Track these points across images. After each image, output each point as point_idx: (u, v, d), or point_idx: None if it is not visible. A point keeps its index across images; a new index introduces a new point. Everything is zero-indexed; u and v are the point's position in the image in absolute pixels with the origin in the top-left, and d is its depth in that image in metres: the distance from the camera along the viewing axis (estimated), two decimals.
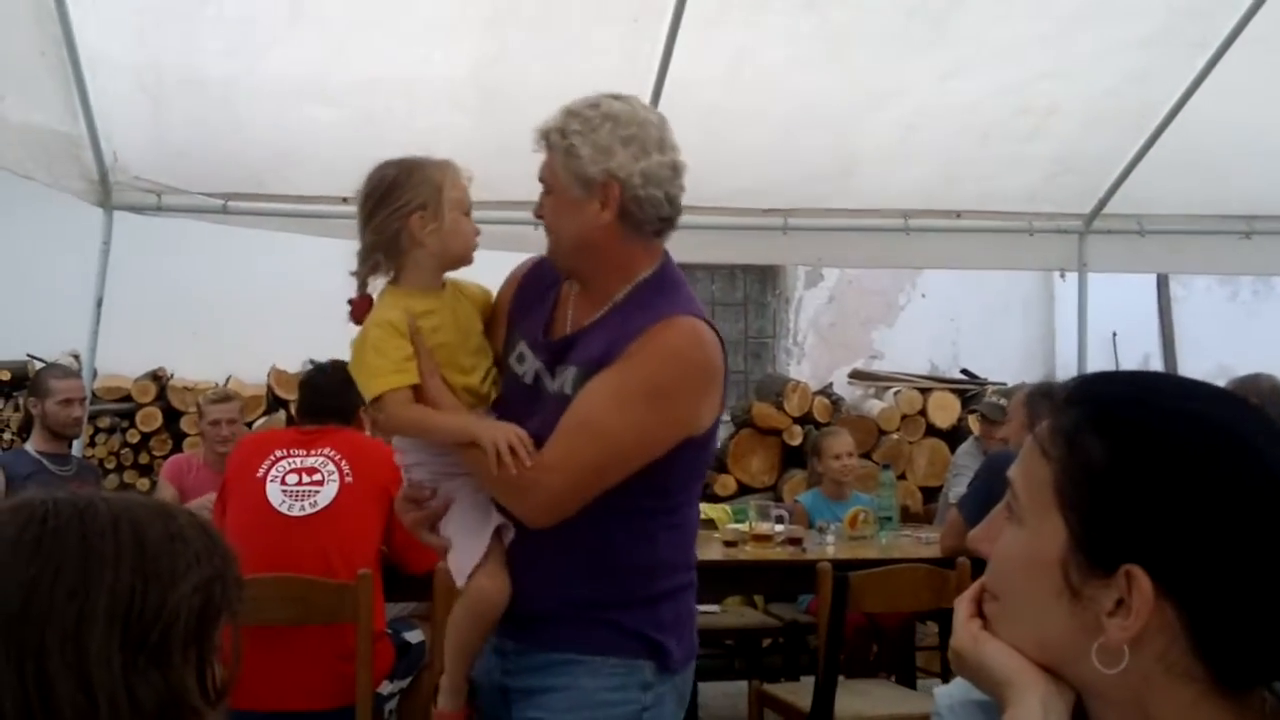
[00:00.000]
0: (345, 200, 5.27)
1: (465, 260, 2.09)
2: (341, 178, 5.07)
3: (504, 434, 1.91)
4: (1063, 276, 6.11)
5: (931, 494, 6.37)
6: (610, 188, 1.96)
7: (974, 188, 5.56)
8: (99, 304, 5.12)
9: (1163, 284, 7.90)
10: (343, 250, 5.48)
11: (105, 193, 5.07)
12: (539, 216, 2.07)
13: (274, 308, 6.38)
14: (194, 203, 5.19)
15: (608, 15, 4.51)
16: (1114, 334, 7.57)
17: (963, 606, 1.05)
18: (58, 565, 1.00)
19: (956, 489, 5.11)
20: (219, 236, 5.44)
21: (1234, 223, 5.79)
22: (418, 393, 1.99)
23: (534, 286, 2.17)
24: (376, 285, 2.09)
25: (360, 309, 2.07)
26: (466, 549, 2.02)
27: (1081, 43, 4.79)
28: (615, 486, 1.95)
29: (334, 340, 5.96)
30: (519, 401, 2.05)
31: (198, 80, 4.62)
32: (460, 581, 2.05)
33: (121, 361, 6.06)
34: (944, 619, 3.99)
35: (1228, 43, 4.78)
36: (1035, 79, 4.95)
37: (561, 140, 1.98)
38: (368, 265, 2.07)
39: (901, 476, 5.92)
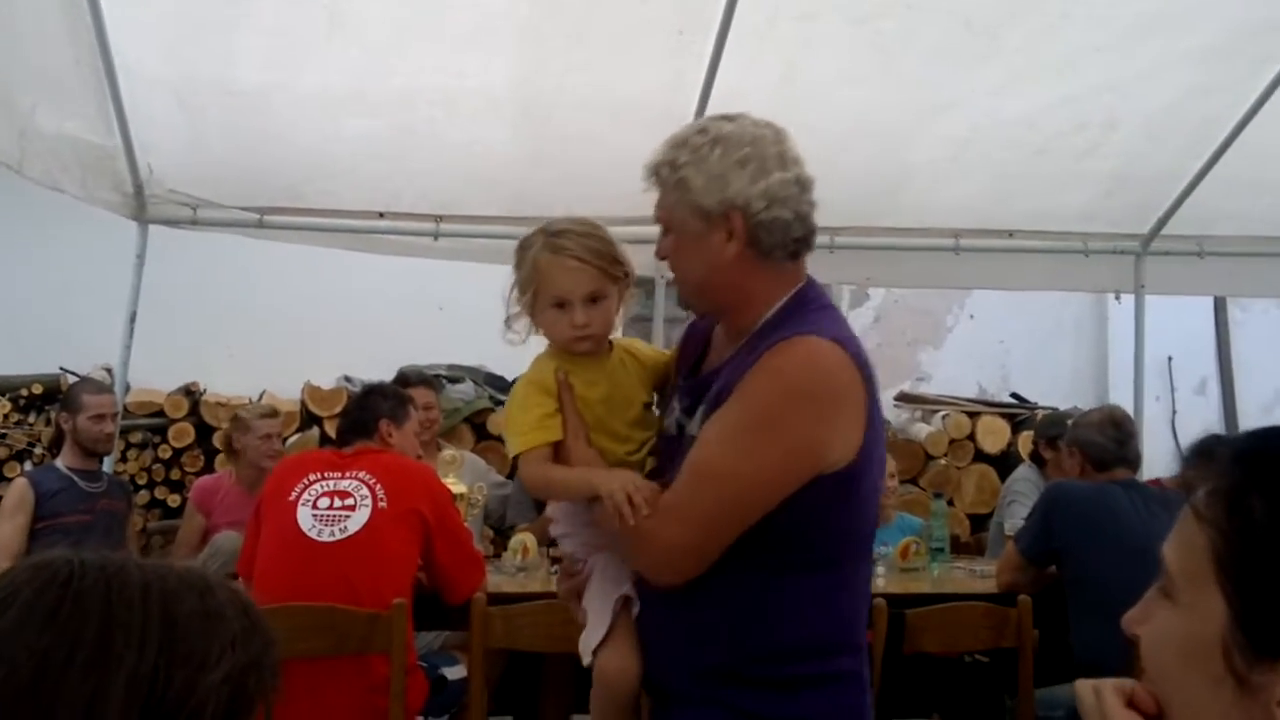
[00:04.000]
0: (382, 215, 5.25)
1: (569, 349, 1.95)
2: (378, 191, 5.14)
3: (621, 482, 1.79)
4: (1118, 299, 5.91)
5: (979, 521, 6.17)
6: (732, 217, 1.81)
7: (1027, 205, 5.39)
8: (132, 318, 5.06)
9: (1220, 306, 7.66)
10: (378, 265, 5.52)
11: (140, 206, 5.00)
12: (661, 258, 1.93)
13: (309, 323, 6.30)
14: (229, 216, 5.12)
15: (652, 27, 4.38)
16: (1169, 358, 7.36)
17: (1108, 695, 0.91)
18: (75, 636, 0.89)
19: (1010, 518, 4.93)
20: (254, 250, 5.36)
21: None
22: (559, 451, 1.91)
23: (694, 334, 2.05)
24: None
25: None
26: (593, 624, 1.91)
27: (1141, 55, 4.61)
28: (751, 538, 1.76)
29: (369, 356, 6.01)
30: (667, 454, 1.92)
31: (234, 92, 4.54)
32: (585, 659, 1.91)
33: (154, 376, 5.99)
34: (1001, 659, 3.80)
35: None
36: (1092, 93, 4.79)
37: (672, 174, 1.84)
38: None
39: (949, 503, 5.73)
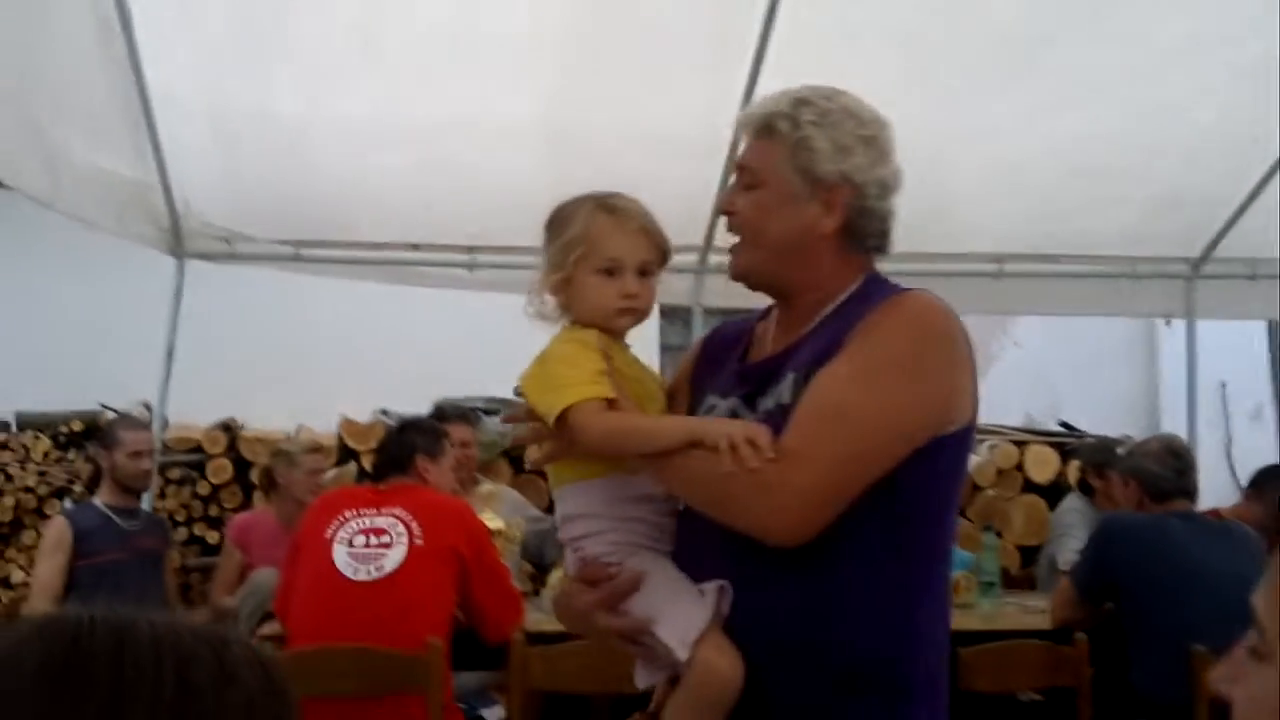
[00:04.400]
0: (416, 246, 5.22)
1: (602, 327, 1.75)
2: (409, 223, 5.11)
3: (739, 427, 1.59)
4: (1168, 323, 5.77)
5: (1029, 554, 6.02)
6: (840, 191, 1.69)
7: (1073, 229, 5.29)
8: (170, 353, 5.04)
9: (1274, 330, 7.49)
10: (414, 296, 5.47)
11: (177, 240, 5.01)
12: (728, 212, 1.78)
13: (346, 357, 6.27)
14: (265, 250, 5.13)
15: (685, 55, 4.34)
16: (1223, 384, 7.19)
17: None
18: (82, 701, 0.81)
19: (1061, 551, 4.79)
20: (290, 284, 5.34)
21: None
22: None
23: (717, 347, 1.89)
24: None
25: None
26: (682, 616, 1.61)
27: (1187, 75, 4.53)
28: (871, 512, 1.59)
29: (406, 390, 5.96)
30: None
31: (269, 123, 4.54)
32: (682, 654, 1.59)
33: (192, 411, 5.96)
34: (1058, 698, 3.67)
35: None
36: (1139, 113, 4.70)
37: (793, 130, 1.69)
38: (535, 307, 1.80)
39: (998, 535, 5.58)
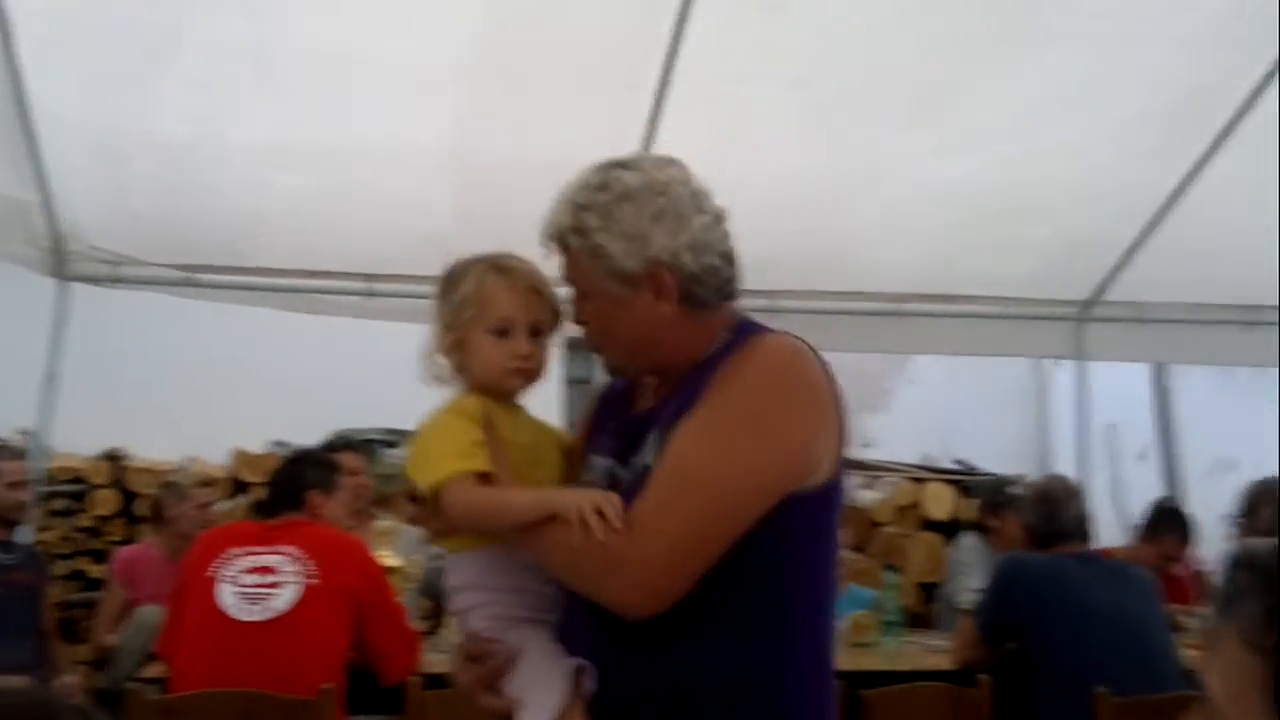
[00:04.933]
0: (313, 273, 5.09)
1: (499, 386, 1.74)
2: (310, 248, 4.98)
3: (588, 498, 1.57)
4: (1059, 364, 5.89)
5: (929, 591, 6.07)
6: (659, 277, 1.66)
7: (969, 270, 5.37)
8: (51, 379, 4.84)
9: (1159, 373, 7.70)
10: (312, 325, 5.34)
11: (60, 262, 4.81)
12: (581, 323, 1.75)
13: (239, 386, 6.07)
14: (155, 274, 4.95)
15: (593, 83, 4.32)
16: (1112, 425, 7.35)
17: None
18: None
19: (959, 590, 4.83)
20: (182, 310, 5.17)
21: (1235, 312, 5.61)
22: (483, 485, 1.65)
23: (610, 401, 1.87)
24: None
25: None
26: (544, 699, 1.62)
27: (1080, 120, 4.65)
28: (726, 582, 1.56)
29: (302, 420, 5.80)
30: None
31: (159, 144, 4.40)
32: None
33: (76, 440, 5.74)
34: None
35: (1233, 123, 4.63)
36: (1033, 156, 4.79)
37: (583, 241, 1.67)
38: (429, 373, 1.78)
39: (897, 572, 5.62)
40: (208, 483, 4.88)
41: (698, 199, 1.68)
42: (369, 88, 4.26)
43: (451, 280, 1.75)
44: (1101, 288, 5.47)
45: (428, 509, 1.69)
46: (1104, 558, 3.91)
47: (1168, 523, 5.07)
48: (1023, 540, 4.58)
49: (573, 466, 1.81)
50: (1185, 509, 5.45)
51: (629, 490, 1.62)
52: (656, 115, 4.35)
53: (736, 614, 1.60)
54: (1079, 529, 3.77)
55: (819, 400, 1.62)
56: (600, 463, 1.75)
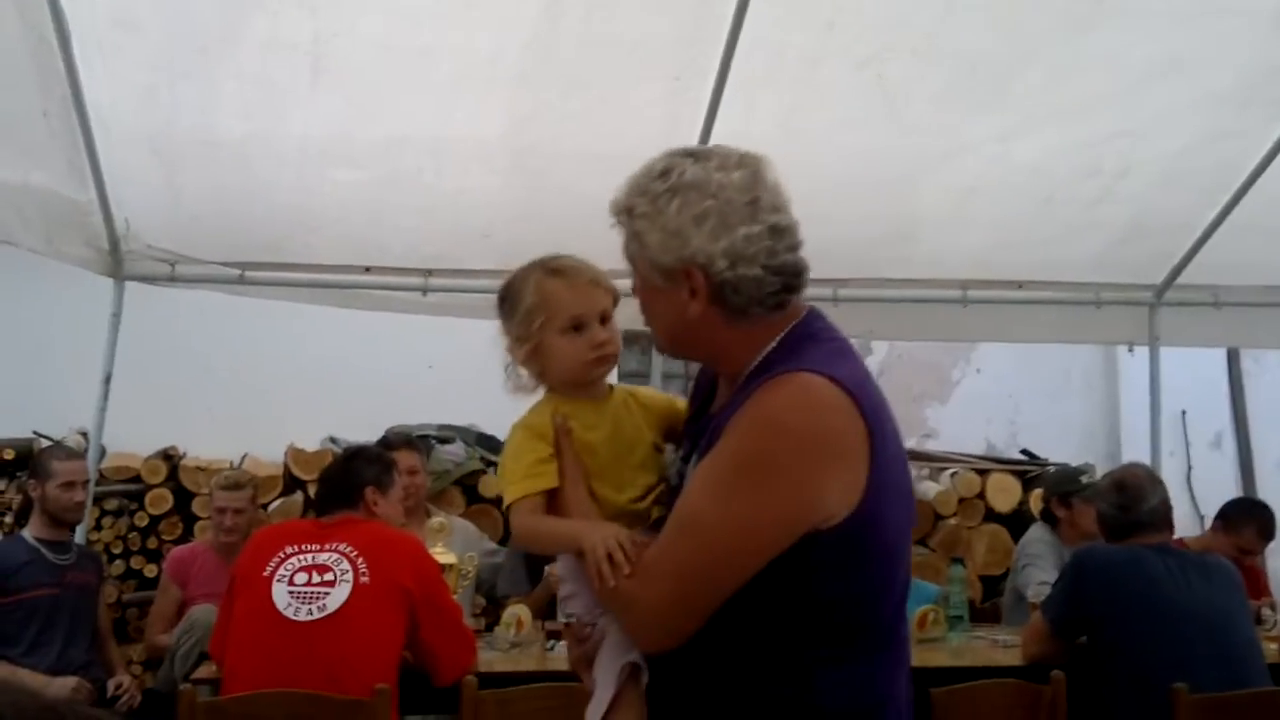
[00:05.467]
0: (368, 269, 5.05)
1: (583, 379, 1.83)
2: (364, 245, 4.94)
3: (602, 536, 1.63)
4: (1131, 350, 5.71)
5: (991, 584, 5.93)
6: (693, 276, 1.64)
7: (1037, 256, 5.23)
8: (107, 379, 4.85)
9: (1233, 358, 7.48)
10: (365, 321, 5.30)
11: (116, 262, 4.82)
12: (636, 294, 1.78)
13: (293, 383, 6.06)
14: (209, 272, 4.94)
15: (649, 74, 4.22)
16: (1183, 412, 7.15)
17: None
18: None
19: (1026, 582, 4.69)
20: (236, 307, 5.16)
21: None
22: (555, 499, 1.76)
23: (703, 379, 1.88)
24: None
25: None
26: (598, 695, 1.72)
27: (1154, 100, 4.47)
28: (752, 606, 1.56)
29: (356, 417, 5.76)
30: (670, 505, 1.72)
31: (214, 142, 4.36)
32: None
33: (131, 439, 5.75)
34: None
35: None
36: (1104, 139, 4.64)
37: (629, 222, 1.69)
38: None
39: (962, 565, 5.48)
40: (234, 486, 4.80)
41: (757, 209, 1.63)
42: (424, 83, 4.19)
43: (510, 296, 1.83)
44: (1176, 271, 5.29)
45: None
46: (1185, 549, 3.75)
47: (1248, 514, 4.89)
48: (1092, 531, 4.45)
49: (674, 437, 1.85)
50: (1261, 499, 5.28)
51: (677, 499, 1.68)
52: (717, 102, 4.24)
53: (759, 646, 1.60)
54: (1159, 519, 3.61)
55: (831, 445, 1.56)
56: (673, 459, 1.81)
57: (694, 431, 1.76)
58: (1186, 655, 3.27)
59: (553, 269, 1.81)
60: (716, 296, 1.64)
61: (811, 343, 1.66)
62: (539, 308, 1.78)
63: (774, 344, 1.67)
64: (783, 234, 1.64)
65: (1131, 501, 3.62)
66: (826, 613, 1.59)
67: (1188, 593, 3.41)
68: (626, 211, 1.68)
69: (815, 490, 1.54)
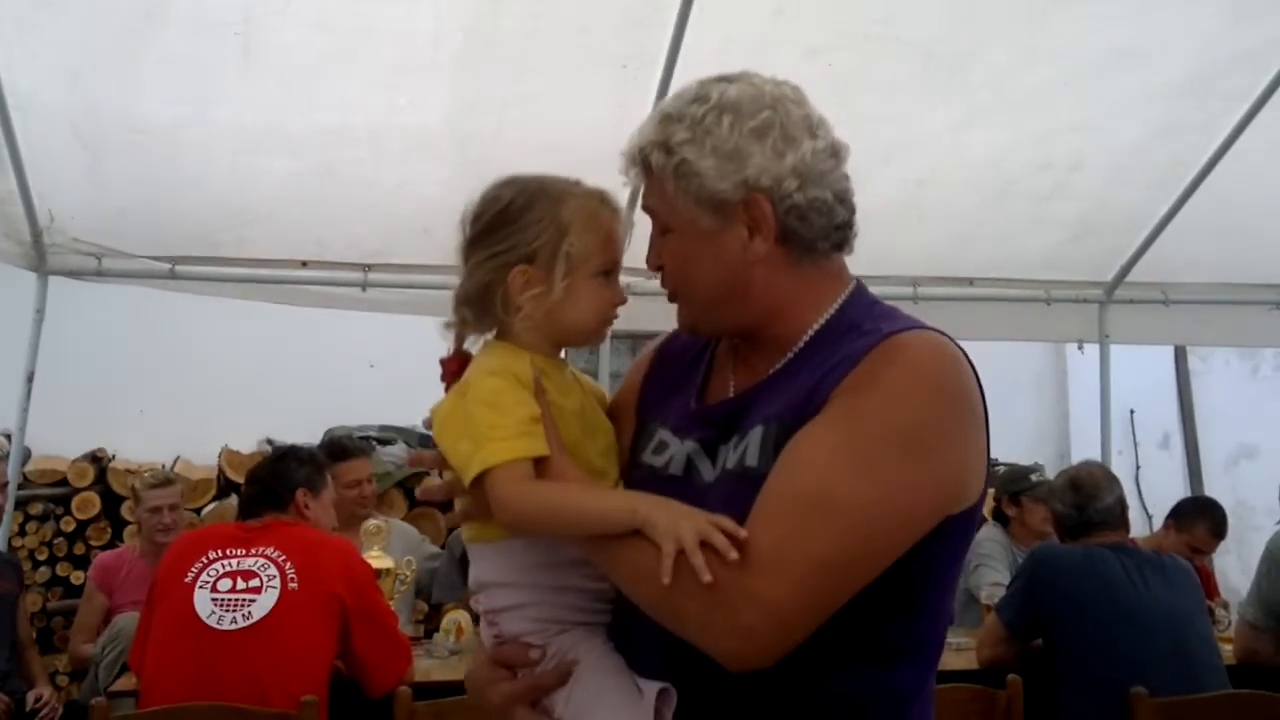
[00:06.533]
0: (305, 264, 4.88)
1: (587, 338, 1.51)
2: (301, 239, 4.76)
3: (693, 520, 1.24)
4: (1081, 349, 5.68)
5: None
6: (757, 204, 1.37)
7: (988, 252, 5.17)
8: (30, 378, 4.63)
9: (1180, 357, 7.49)
10: (302, 318, 5.12)
11: (39, 256, 4.62)
12: (656, 267, 1.48)
13: (227, 383, 5.87)
14: (138, 267, 4.75)
15: (596, 60, 4.11)
16: (1131, 411, 7.14)
17: None
18: None
19: (979, 583, 4.62)
20: (167, 303, 4.96)
21: (1262, 292, 5.42)
22: (539, 470, 1.36)
23: (672, 364, 1.57)
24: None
25: (452, 370, 1.47)
26: None
27: (1108, 91, 4.42)
28: (858, 608, 1.28)
29: (294, 419, 5.58)
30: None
31: (140, 129, 4.17)
32: None
33: (58, 441, 5.55)
34: None
35: (1266, 95, 4.41)
36: (1058, 131, 4.59)
37: (668, 158, 1.40)
38: (457, 320, 1.49)
39: None
40: (165, 483, 4.62)
41: (813, 124, 1.40)
42: (362, 67, 4.05)
43: (538, 211, 1.45)
44: (1126, 268, 5.26)
45: (464, 491, 1.39)
46: (1145, 550, 3.69)
47: (1200, 513, 4.87)
48: (1043, 530, 4.40)
49: (618, 431, 1.54)
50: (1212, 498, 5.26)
51: (718, 492, 1.36)
52: (665, 90, 4.13)
53: (863, 649, 1.34)
54: (1114, 518, 3.54)
55: (977, 412, 1.34)
56: (677, 445, 1.46)
57: (710, 416, 1.46)
58: (1145, 656, 3.20)
59: (604, 198, 1.48)
60: (785, 229, 1.38)
61: (883, 306, 1.44)
62: (588, 239, 1.44)
63: (838, 304, 1.43)
64: (841, 157, 1.42)
65: (1087, 500, 3.55)
66: (922, 617, 1.36)
67: (1145, 593, 3.34)
68: (659, 146, 1.40)
69: (968, 461, 1.32)
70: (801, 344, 1.41)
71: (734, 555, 1.21)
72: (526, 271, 1.43)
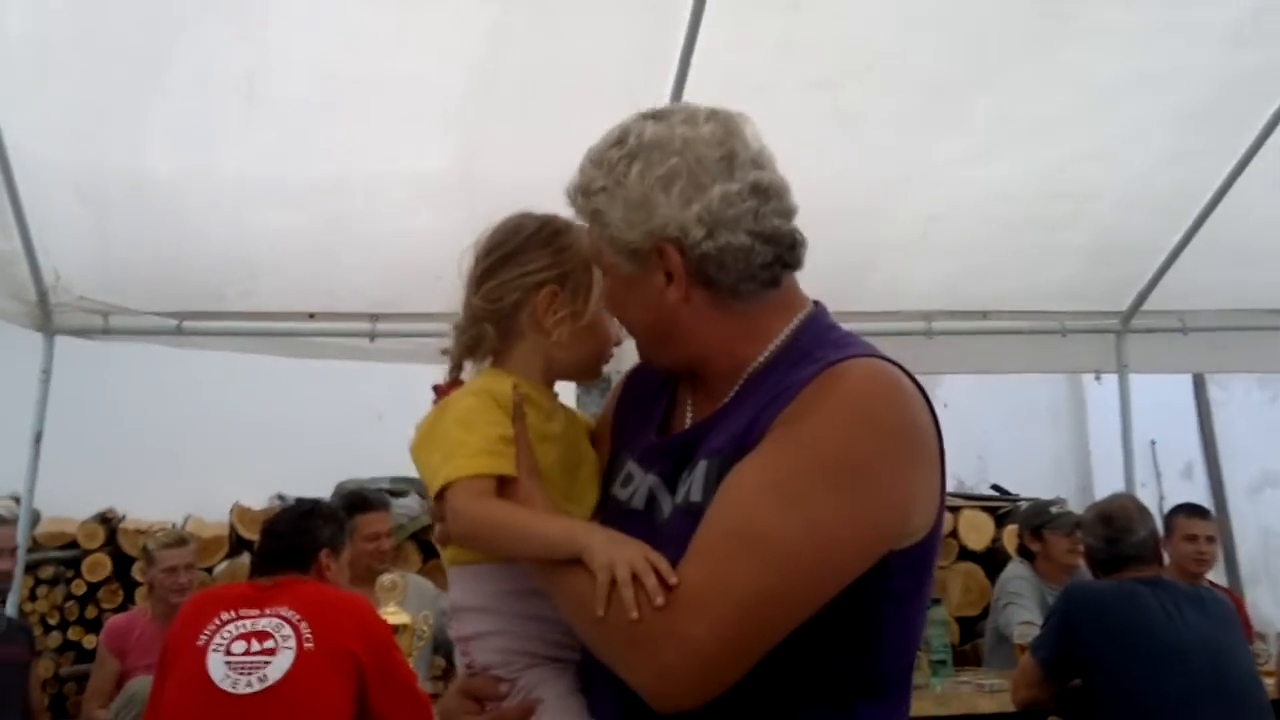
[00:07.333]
0: (312, 316, 4.82)
1: (590, 374, 1.55)
2: (307, 290, 4.71)
3: (629, 553, 1.24)
4: (1098, 379, 5.60)
5: (968, 625, 5.75)
6: (666, 254, 1.36)
7: (1003, 284, 5.10)
8: (38, 439, 4.57)
9: (1200, 386, 7.41)
10: (311, 371, 5.07)
11: (45, 315, 4.57)
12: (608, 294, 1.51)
13: (236, 438, 5.80)
14: (145, 324, 4.70)
15: (602, 101, 4.04)
16: (1152, 441, 7.05)
17: None
18: None
19: (1008, 621, 4.53)
20: (173, 360, 4.91)
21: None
22: (503, 492, 1.37)
23: (641, 390, 1.56)
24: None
25: (445, 396, 1.50)
26: None
27: (1119, 119, 4.38)
28: (793, 650, 1.25)
29: (305, 473, 5.50)
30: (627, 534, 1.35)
31: (143, 184, 4.14)
32: None
33: (67, 503, 5.48)
34: None
35: (1277, 118, 4.37)
36: (1070, 160, 4.54)
37: (587, 202, 1.41)
38: (465, 341, 1.51)
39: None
40: (178, 543, 4.56)
41: (734, 164, 1.36)
42: (366, 115, 4.01)
43: (561, 234, 1.50)
44: (1142, 297, 5.19)
45: (435, 506, 1.42)
46: (1184, 583, 3.60)
47: (1173, 511, 4.84)
48: (1067, 563, 4.32)
49: (598, 457, 1.55)
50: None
51: (670, 529, 1.33)
52: None
53: (832, 681, 1.30)
54: (1148, 552, 3.46)
55: (920, 445, 1.30)
56: (642, 477, 1.44)
57: (668, 449, 1.44)
58: (1188, 693, 3.12)
59: None
60: (698, 275, 1.36)
61: (835, 333, 1.40)
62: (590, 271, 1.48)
63: (787, 332, 1.39)
64: (767, 194, 1.37)
65: (1119, 534, 3.47)
66: (881, 655, 1.32)
67: (1184, 628, 3.25)
68: (582, 191, 1.41)
69: (909, 497, 1.29)
70: (747, 375, 1.39)
71: (660, 600, 1.21)
72: (557, 293, 1.47)
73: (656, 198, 1.35)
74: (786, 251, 1.39)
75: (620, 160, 1.38)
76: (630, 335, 1.50)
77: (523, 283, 1.48)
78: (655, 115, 1.41)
